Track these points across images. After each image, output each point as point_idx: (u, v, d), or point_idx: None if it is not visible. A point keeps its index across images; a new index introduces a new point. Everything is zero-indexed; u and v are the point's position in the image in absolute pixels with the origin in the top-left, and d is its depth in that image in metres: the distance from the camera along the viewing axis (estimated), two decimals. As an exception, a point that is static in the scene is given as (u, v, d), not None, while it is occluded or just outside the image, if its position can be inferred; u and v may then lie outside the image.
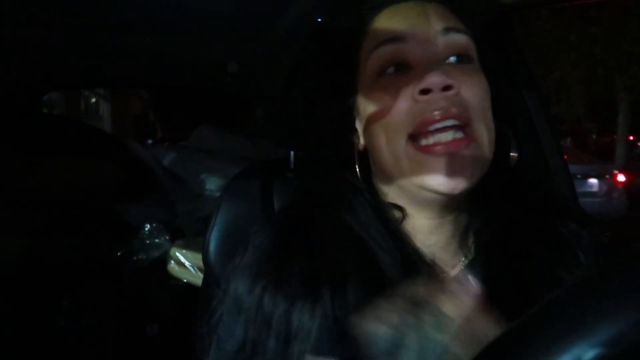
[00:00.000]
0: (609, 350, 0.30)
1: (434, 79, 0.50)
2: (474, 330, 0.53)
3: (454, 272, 0.59)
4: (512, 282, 0.55)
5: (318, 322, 0.51)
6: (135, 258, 1.87)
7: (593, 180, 7.58)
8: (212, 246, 0.89)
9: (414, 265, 0.56)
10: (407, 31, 0.54)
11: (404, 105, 0.53)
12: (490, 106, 0.56)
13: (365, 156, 0.62)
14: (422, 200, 0.56)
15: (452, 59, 0.54)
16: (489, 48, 0.62)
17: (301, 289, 0.53)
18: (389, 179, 0.58)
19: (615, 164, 10.92)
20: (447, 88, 0.51)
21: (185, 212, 2.09)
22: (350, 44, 0.59)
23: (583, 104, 11.99)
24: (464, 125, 0.52)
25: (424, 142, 0.52)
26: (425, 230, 0.59)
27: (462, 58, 0.55)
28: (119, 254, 1.87)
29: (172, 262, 1.79)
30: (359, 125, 0.60)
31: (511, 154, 0.59)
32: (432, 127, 0.51)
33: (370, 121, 0.57)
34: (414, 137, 0.53)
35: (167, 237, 1.89)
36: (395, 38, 0.55)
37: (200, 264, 1.63)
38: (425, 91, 0.51)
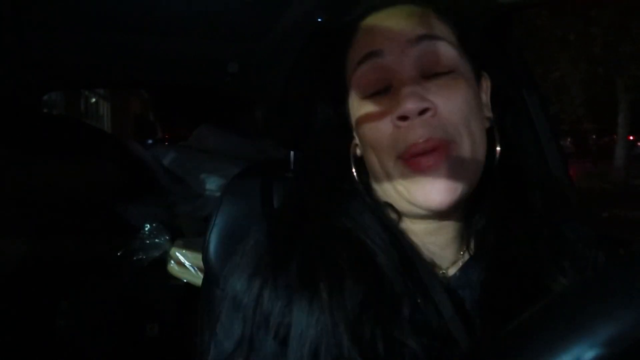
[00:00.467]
0: (609, 350, 0.31)
1: (409, 107, 0.51)
2: (473, 328, 0.54)
3: (453, 270, 0.59)
4: (513, 280, 0.55)
5: (315, 320, 0.51)
6: (135, 258, 1.87)
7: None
8: (212, 246, 0.89)
9: (412, 264, 0.56)
10: (382, 45, 0.56)
11: (386, 130, 0.54)
12: (476, 110, 0.56)
13: (361, 162, 0.62)
14: (414, 212, 0.57)
15: (430, 72, 0.54)
16: (480, 41, 0.61)
17: (298, 287, 0.53)
18: (384, 190, 0.59)
19: (615, 164, 10.94)
20: (423, 112, 0.52)
21: (185, 212, 2.09)
22: (338, 55, 0.61)
23: (583, 104, 12.00)
24: (445, 141, 0.53)
25: (410, 157, 0.54)
26: (423, 232, 0.59)
27: (440, 68, 0.54)
28: (119, 254, 1.87)
29: (172, 262, 1.79)
30: (355, 131, 0.61)
31: (497, 148, 0.58)
32: (413, 147, 0.53)
33: (360, 137, 0.59)
34: (400, 153, 0.54)
35: (167, 237, 1.89)
36: (372, 53, 0.56)
37: (200, 264, 1.62)
38: (403, 118, 0.52)
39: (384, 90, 0.55)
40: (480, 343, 0.50)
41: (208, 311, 0.91)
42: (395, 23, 0.56)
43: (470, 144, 0.54)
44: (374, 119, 0.55)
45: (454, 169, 0.52)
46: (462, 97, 0.54)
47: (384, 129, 0.54)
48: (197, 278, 1.70)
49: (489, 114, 0.60)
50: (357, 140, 0.61)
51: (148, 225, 1.90)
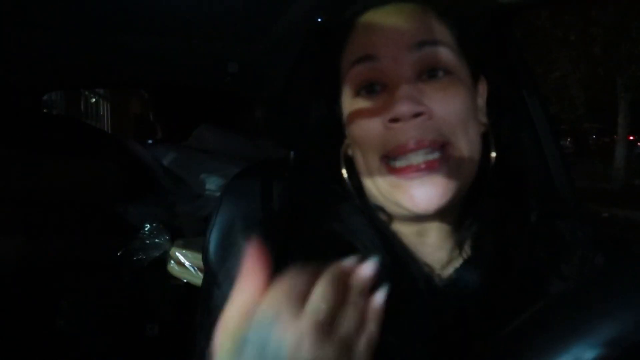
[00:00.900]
0: (609, 350, 0.31)
1: (402, 109, 0.50)
2: (466, 329, 0.53)
3: (447, 271, 0.58)
4: (509, 282, 0.54)
5: None
6: (135, 258, 1.87)
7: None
8: (212, 246, 0.89)
9: (405, 266, 0.56)
10: (380, 49, 0.54)
11: (376, 130, 0.53)
12: (473, 114, 0.55)
13: (353, 167, 0.61)
14: (402, 214, 0.56)
15: (427, 74, 0.53)
16: (478, 43, 0.60)
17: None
18: (372, 193, 0.58)
19: (615, 164, 10.94)
20: (417, 115, 0.50)
21: (185, 212, 2.09)
22: (333, 53, 0.59)
23: (583, 104, 11.99)
24: (439, 149, 0.51)
25: (397, 163, 0.52)
26: (415, 234, 0.59)
27: (438, 72, 0.53)
28: (119, 254, 1.87)
29: (172, 262, 1.79)
30: (347, 132, 0.60)
31: (492, 154, 0.57)
32: (403, 152, 0.51)
33: (349, 135, 0.58)
34: (387, 158, 0.53)
35: (167, 237, 1.89)
36: (368, 56, 0.54)
37: (200, 264, 1.62)
38: (395, 120, 0.51)
39: (377, 89, 0.54)
40: (481, 344, 0.50)
41: (208, 311, 0.91)
42: (393, 25, 0.54)
43: (466, 145, 0.53)
44: (364, 117, 0.54)
45: (445, 175, 0.51)
46: (459, 100, 0.53)
47: (373, 127, 0.53)
48: (197, 278, 1.70)
49: (483, 119, 0.59)
50: (349, 140, 0.60)
51: (148, 225, 1.90)
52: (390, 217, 0.58)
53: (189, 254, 1.77)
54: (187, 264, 1.76)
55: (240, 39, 1.55)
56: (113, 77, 2.35)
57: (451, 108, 0.52)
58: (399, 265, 0.55)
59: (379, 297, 0.42)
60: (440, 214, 0.55)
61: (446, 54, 0.54)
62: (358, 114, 0.55)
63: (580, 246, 0.57)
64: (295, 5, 1.20)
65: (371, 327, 0.40)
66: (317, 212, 0.59)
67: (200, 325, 0.94)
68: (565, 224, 0.59)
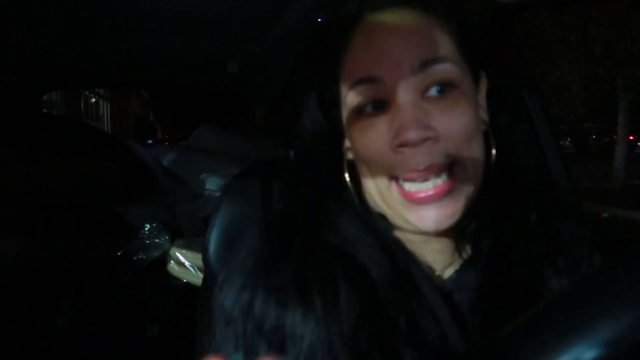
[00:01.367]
0: (609, 350, 0.31)
1: (410, 135, 0.49)
2: (469, 331, 0.53)
3: (448, 272, 0.58)
4: (509, 282, 0.54)
5: (311, 329, 0.50)
6: (135, 258, 1.87)
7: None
8: (212, 246, 0.89)
9: (407, 273, 0.55)
10: (382, 71, 0.52)
11: (384, 153, 0.52)
12: (477, 127, 0.54)
13: (355, 173, 0.61)
14: (410, 230, 0.56)
15: (433, 90, 0.52)
16: (480, 42, 0.59)
17: (292, 295, 0.52)
18: (377, 202, 0.58)
19: (615, 164, 10.93)
20: (425, 140, 0.50)
21: (185, 212, 2.09)
22: (332, 57, 0.57)
23: (583, 104, 11.99)
24: (447, 173, 0.51)
25: (407, 186, 0.52)
26: (418, 240, 0.58)
27: (444, 87, 0.52)
28: (119, 254, 1.87)
29: (172, 262, 1.79)
30: (347, 138, 0.59)
31: (493, 151, 0.57)
32: (411, 176, 0.51)
33: (354, 152, 0.57)
34: (397, 178, 0.53)
35: (167, 237, 1.89)
36: (370, 78, 0.53)
37: (200, 264, 1.62)
38: (403, 145, 0.50)
39: (381, 108, 0.53)
40: (481, 344, 0.50)
41: (208, 311, 0.91)
42: (395, 43, 0.52)
43: (472, 161, 0.53)
44: (370, 139, 0.53)
45: (453, 198, 0.51)
46: (465, 118, 0.52)
47: (381, 151, 0.52)
48: (197, 278, 1.70)
49: (484, 115, 0.58)
50: (348, 144, 0.59)
51: (148, 225, 1.90)
52: (393, 226, 0.58)
53: (189, 254, 1.77)
54: (187, 264, 1.76)
55: (240, 39, 1.55)
56: (113, 77, 2.35)
57: (457, 127, 0.51)
58: (401, 273, 0.55)
59: None
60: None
61: (450, 69, 0.52)
62: (364, 133, 0.54)
63: (579, 246, 0.57)
64: (295, 5, 1.20)
65: None
66: (315, 224, 0.58)
67: (200, 325, 0.94)
68: (565, 224, 0.59)
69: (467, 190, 0.53)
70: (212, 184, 2.16)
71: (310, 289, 0.52)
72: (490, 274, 0.56)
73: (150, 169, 2.21)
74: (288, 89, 0.83)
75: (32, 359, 1.66)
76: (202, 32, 1.49)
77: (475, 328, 0.53)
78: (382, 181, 0.54)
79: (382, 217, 0.58)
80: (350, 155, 0.60)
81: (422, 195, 0.51)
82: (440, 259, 0.59)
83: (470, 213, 0.57)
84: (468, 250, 0.58)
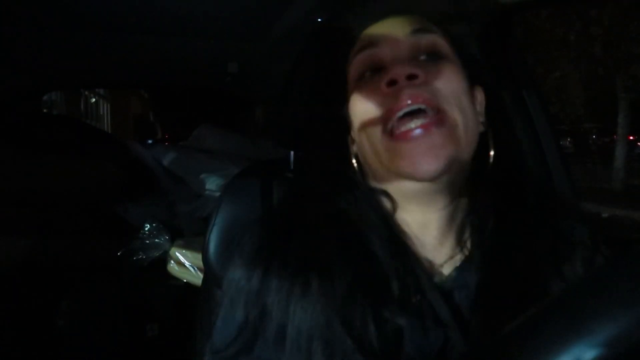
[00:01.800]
0: (609, 350, 0.31)
1: (397, 70, 0.53)
2: (469, 328, 0.54)
3: (448, 269, 0.59)
4: (509, 280, 0.55)
5: (311, 307, 0.52)
6: (135, 258, 1.87)
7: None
8: (212, 246, 0.89)
9: (405, 250, 0.57)
10: (379, 37, 0.58)
11: (374, 99, 0.55)
12: (469, 99, 0.56)
13: (360, 162, 0.63)
14: (406, 192, 0.57)
15: (423, 57, 0.56)
16: (473, 45, 0.62)
17: (292, 276, 0.53)
18: (378, 177, 0.60)
19: (615, 164, 10.93)
20: (412, 77, 0.52)
21: (185, 212, 2.09)
22: (339, 61, 0.62)
23: (583, 104, 11.97)
24: (434, 110, 0.53)
25: (397, 131, 0.53)
26: (418, 224, 0.59)
27: (433, 55, 0.56)
28: (119, 254, 1.87)
29: (172, 262, 1.79)
30: (353, 132, 0.62)
31: (491, 152, 0.59)
32: (401, 113, 0.52)
33: (354, 122, 0.59)
34: (388, 128, 0.54)
35: (167, 237, 1.89)
36: (369, 44, 0.58)
37: (200, 264, 1.62)
38: (392, 82, 0.53)
39: (377, 72, 0.57)
40: (480, 343, 0.50)
41: (208, 311, 0.91)
42: (391, 23, 0.59)
43: (460, 116, 0.54)
44: (365, 94, 0.57)
45: (441, 137, 0.52)
46: (455, 78, 0.55)
47: (372, 97, 0.55)
48: (197, 278, 1.70)
49: (482, 119, 0.60)
50: (354, 135, 0.61)
51: (148, 225, 1.90)
52: (395, 206, 0.59)
53: (189, 254, 1.77)
54: (187, 264, 1.76)
55: (240, 39, 1.55)
56: (113, 77, 2.35)
57: (446, 81, 0.54)
58: (399, 247, 0.56)
59: None
60: (446, 199, 0.57)
61: (439, 40, 0.57)
62: (360, 91, 0.58)
63: (579, 246, 0.58)
64: (295, 5, 1.20)
65: None
66: (324, 193, 0.61)
67: (200, 325, 0.94)
68: (565, 224, 0.59)
69: (453, 140, 0.53)
70: (212, 184, 2.16)
71: (309, 266, 0.54)
72: (491, 272, 0.56)
73: (150, 169, 2.21)
74: (290, 87, 0.83)
75: (32, 359, 1.66)
76: (202, 32, 1.49)
77: (475, 326, 0.53)
78: (376, 137, 0.55)
79: (386, 197, 0.59)
80: (355, 148, 0.62)
81: (410, 133, 0.52)
82: (439, 254, 0.59)
83: (471, 211, 0.58)
84: (468, 246, 0.59)
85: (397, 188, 0.58)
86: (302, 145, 0.86)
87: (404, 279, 0.54)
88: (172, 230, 1.93)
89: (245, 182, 0.91)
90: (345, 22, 0.63)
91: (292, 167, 0.93)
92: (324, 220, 0.58)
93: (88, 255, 1.84)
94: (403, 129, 0.53)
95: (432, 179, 0.52)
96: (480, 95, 0.61)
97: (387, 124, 0.54)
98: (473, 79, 0.59)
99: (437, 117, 0.52)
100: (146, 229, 1.90)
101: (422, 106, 0.52)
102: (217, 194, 2.07)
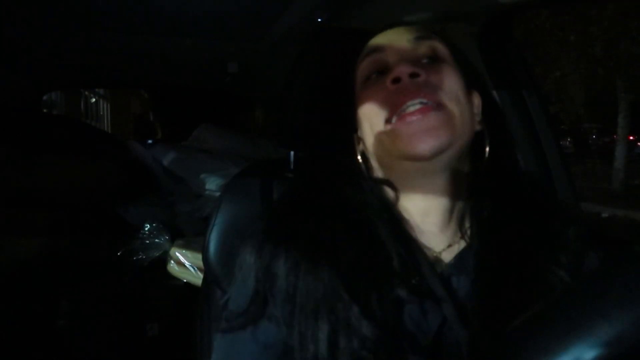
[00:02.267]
0: (609, 350, 0.31)
1: (401, 68, 0.58)
2: (466, 310, 0.56)
3: (448, 256, 0.61)
4: (507, 266, 0.56)
5: (319, 277, 0.54)
6: (135, 258, 1.87)
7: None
8: (212, 246, 0.89)
9: (408, 242, 0.59)
10: (384, 43, 0.64)
11: (379, 95, 0.60)
12: (466, 98, 0.60)
13: (365, 159, 0.66)
14: (407, 175, 0.60)
15: (425, 60, 0.61)
16: (472, 51, 0.67)
17: (304, 249, 0.56)
18: (382, 166, 0.64)
19: (615, 164, 10.93)
20: (414, 75, 0.57)
21: (185, 212, 2.09)
22: (347, 67, 0.68)
23: (583, 104, 11.97)
24: (434, 104, 0.57)
25: (396, 117, 0.58)
26: (420, 212, 0.62)
27: (434, 59, 0.62)
28: (119, 254, 1.87)
29: (172, 262, 1.79)
30: (360, 131, 0.65)
31: (486, 148, 0.62)
32: (404, 107, 0.56)
33: (360, 119, 0.64)
34: (391, 121, 0.58)
35: (167, 237, 1.89)
36: (376, 49, 0.64)
37: (200, 264, 1.62)
38: (395, 80, 0.57)
39: (383, 73, 0.61)
40: (481, 343, 0.50)
41: (208, 311, 0.91)
42: (396, 32, 0.65)
43: (457, 109, 0.58)
44: (371, 91, 0.61)
45: (438, 120, 0.56)
46: (453, 77, 0.60)
47: (378, 94, 0.60)
48: (197, 278, 1.70)
49: (478, 118, 0.63)
50: (360, 133, 0.65)
51: (148, 225, 1.90)
52: (397, 194, 0.62)
53: (189, 254, 1.77)
54: (187, 264, 1.76)
55: (240, 39, 1.55)
56: (113, 77, 2.35)
57: (445, 80, 0.59)
58: (400, 231, 0.59)
59: None
60: (446, 188, 0.60)
61: (440, 46, 0.63)
62: (367, 90, 0.63)
63: (578, 246, 0.58)
64: (295, 6, 1.20)
65: None
66: (331, 186, 0.64)
67: (200, 325, 0.94)
68: (564, 224, 0.60)
69: (451, 125, 0.57)
70: (212, 184, 2.16)
71: (318, 241, 0.57)
72: (489, 260, 0.58)
73: (150, 169, 2.21)
74: (292, 86, 0.84)
75: (32, 359, 1.66)
76: (202, 32, 1.49)
77: (473, 310, 0.55)
78: (379, 126, 0.59)
79: (388, 185, 0.62)
80: (361, 146, 0.66)
81: (409, 116, 0.56)
82: (440, 238, 0.62)
83: (467, 204, 0.62)
84: (468, 234, 0.61)
85: (399, 173, 0.61)
86: (305, 144, 0.86)
87: (404, 260, 0.57)
88: (172, 230, 1.93)
89: (245, 182, 0.91)
90: (353, 32, 0.69)
91: (292, 167, 0.94)
92: (330, 205, 0.61)
93: (88, 255, 1.84)
94: (403, 114, 0.57)
95: (430, 157, 0.56)
96: (477, 99, 0.64)
97: (391, 117, 0.58)
98: (470, 84, 0.63)
99: (435, 104, 0.57)
100: (146, 229, 1.90)
101: (423, 100, 0.56)
102: (217, 194, 2.08)
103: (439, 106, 0.56)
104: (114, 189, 2.02)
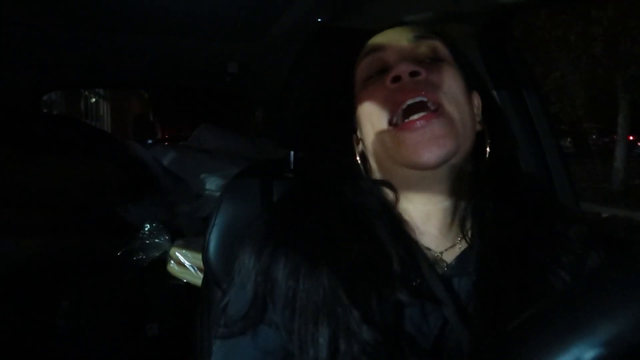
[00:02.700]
0: (609, 350, 0.31)
1: (401, 67, 0.57)
2: (467, 312, 0.55)
3: (449, 257, 0.61)
4: (508, 268, 0.56)
5: (319, 281, 0.54)
6: (135, 258, 1.87)
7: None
8: (212, 246, 0.89)
9: (409, 244, 0.59)
10: (385, 43, 0.64)
11: (380, 94, 0.59)
12: (466, 99, 0.60)
13: (364, 159, 0.66)
14: (410, 181, 0.60)
15: (425, 60, 0.61)
16: (472, 51, 0.66)
17: (304, 251, 0.56)
18: (382, 170, 0.63)
19: (615, 164, 10.92)
20: (414, 74, 0.57)
21: (185, 212, 2.09)
22: (347, 66, 0.67)
23: (583, 104, 11.97)
24: (434, 104, 0.56)
25: (401, 123, 0.57)
26: (421, 216, 0.61)
27: (434, 58, 0.61)
28: (119, 254, 1.87)
29: (172, 262, 1.79)
30: (359, 131, 0.65)
31: (487, 148, 0.62)
32: (404, 105, 0.56)
33: (360, 119, 0.64)
34: (394, 121, 0.58)
35: (167, 237, 1.89)
36: (376, 48, 0.64)
37: (200, 264, 1.62)
38: (395, 79, 0.57)
39: (383, 72, 0.61)
40: (481, 343, 0.50)
41: (208, 311, 0.91)
42: (396, 31, 0.64)
43: (457, 111, 0.57)
44: (371, 89, 0.61)
45: (441, 128, 0.55)
46: (453, 77, 0.59)
47: (377, 95, 0.60)
48: (197, 278, 1.70)
49: (479, 119, 0.63)
50: (359, 134, 0.65)
51: (148, 225, 1.90)
52: (397, 196, 0.61)
53: (189, 254, 1.77)
54: (187, 264, 1.76)
55: (240, 39, 1.55)
56: (113, 77, 2.35)
57: (445, 79, 0.58)
58: (401, 233, 0.59)
59: None
60: (448, 192, 0.59)
61: (439, 45, 0.62)
62: (367, 89, 0.62)
63: (578, 246, 0.58)
64: (295, 6, 1.20)
65: None
66: (330, 183, 0.64)
67: (200, 325, 0.94)
68: (564, 224, 0.60)
69: (452, 131, 0.56)
70: (212, 184, 2.16)
71: (318, 245, 0.57)
72: (490, 261, 0.58)
73: (150, 169, 2.21)
74: (292, 86, 0.84)
75: (32, 359, 1.66)
76: (202, 32, 1.49)
77: (474, 312, 0.55)
78: (382, 128, 0.59)
79: (388, 187, 0.62)
80: (360, 147, 0.66)
81: (413, 124, 0.56)
82: (442, 242, 0.61)
83: (467, 202, 0.61)
84: (469, 236, 0.61)
85: (401, 178, 0.61)
86: (304, 144, 0.86)
87: (405, 261, 0.56)
88: (172, 230, 1.93)
89: (245, 182, 0.91)
90: (353, 31, 0.68)
91: (292, 167, 0.94)
92: (329, 206, 0.61)
93: (88, 255, 1.84)
94: (407, 120, 0.56)
95: (434, 167, 0.56)
96: (477, 100, 0.64)
97: (392, 117, 0.58)
98: (470, 85, 0.63)
99: (437, 110, 0.56)
100: (146, 229, 1.90)
101: (424, 98, 0.56)
102: (217, 194, 2.07)
103: (440, 109, 0.56)
104: (114, 189, 2.02)
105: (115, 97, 10.02)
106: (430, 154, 0.54)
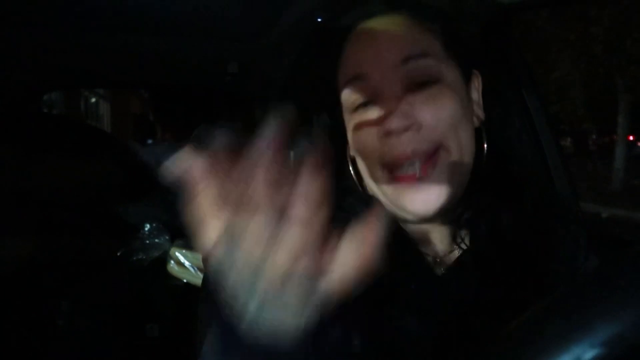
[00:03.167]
0: (609, 350, 0.31)
1: (393, 124, 0.53)
2: (464, 316, 0.55)
3: (448, 260, 0.61)
4: (504, 272, 0.56)
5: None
6: (135, 258, 1.87)
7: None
8: (212, 246, 0.89)
9: (406, 250, 0.59)
10: (368, 68, 0.57)
11: (373, 143, 0.56)
12: (463, 116, 0.57)
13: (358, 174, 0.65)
14: (405, 218, 0.59)
15: (415, 85, 0.56)
16: (469, 40, 0.63)
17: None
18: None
19: (615, 164, 10.92)
20: (407, 128, 0.53)
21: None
22: (330, 65, 0.62)
23: (583, 104, 11.98)
24: (427, 155, 0.54)
25: (397, 172, 0.56)
26: (418, 233, 0.61)
27: (426, 81, 0.56)
28: (119, 254, 1.87)
29: (172, 262, 1.79)
30: (347, 134, 0.63)
31: (484, 147, 0.61)
32: (401, 163, 0.54)
33: (351, 144, 0.62)
34: (386, 162, 0.56)
35: (167, 237, 1.89)
36: (358, 76, 0.57)
37: (200, 264, 1.62)
38: (388, 133, 0.54)
39: (370, 104, 0.57)
40: (481, 343, 0.50)
41: (208, 311, 0.91)
42: (380, 43, 0.57)
43: (458, 149, 0.55)
44: (362, 131, 0.58)
45: (441, 176, 0.54)
46: (449, 107, 0.55)
47: (371, 141, 0.56)
48: (197, 278, 1.70)
49: (479, 111, 0.61)
50: (353, 152, 0.63)
51: (148, 225, 1.90)
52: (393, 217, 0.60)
53: (189, 254, 1.77)
54: (187, 264, 1.76)
55: (240, 39, 1.55)
56: (113, 77, 2.34)
57: (440, 115, 0.55)
58: (401, 249, 0.58)
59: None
60: (441, 215, 0.57)
61: (432, 64, 0.56)
62: (357, 128, 0.59)
63: (576, 246, 0.58)
64: (295, 5, 1.20)
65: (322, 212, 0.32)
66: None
67: (200, 324, 0.94)
68: (564, 224, 0.60)
69: (452, 176, 0.55)
70: (212, 184, 2.15)
71: None
72: (490, 263, 0.57)
73: (150, 169, 2.21)
74: (291, 86, 0.84)
75: (32, 359, 1.66)
76: (202, 32, 1.49)
77: (475, 316, 0.55)
78: (377, 172, 0.57)
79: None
80: (352, 152, 0.64)
81: (410, 178, 0.54)
82: (439, 248, 0.61)
83: (465, 203, 0.60)
84: (466, 241, 0.61)
85: (393, 210, 0.59)
86: None
87: (402, 265, 0.56)
88: (172, 230, 1.93)
89: (245, 182, 0.91)
90: (345, 13, 0.63)
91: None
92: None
93: (88, 256, 1.84)
94: (403, 172, 0.55)
95: (432, 216, 0.55)
96: (477, 81, 0.62)
97: (384, 158, 0.56)
98: (468, 69, 0.60)
99: (435, 161, 0.54)
100: (146, 229, 1.90)
101: (418, 161, 0.54)
102: (217, 194, 2.07)
103: (434, 160, 0.54)
104: (114, 189, 2.02)
105: (115, 97, 10.03)
106: (428, 207, 0.54)
